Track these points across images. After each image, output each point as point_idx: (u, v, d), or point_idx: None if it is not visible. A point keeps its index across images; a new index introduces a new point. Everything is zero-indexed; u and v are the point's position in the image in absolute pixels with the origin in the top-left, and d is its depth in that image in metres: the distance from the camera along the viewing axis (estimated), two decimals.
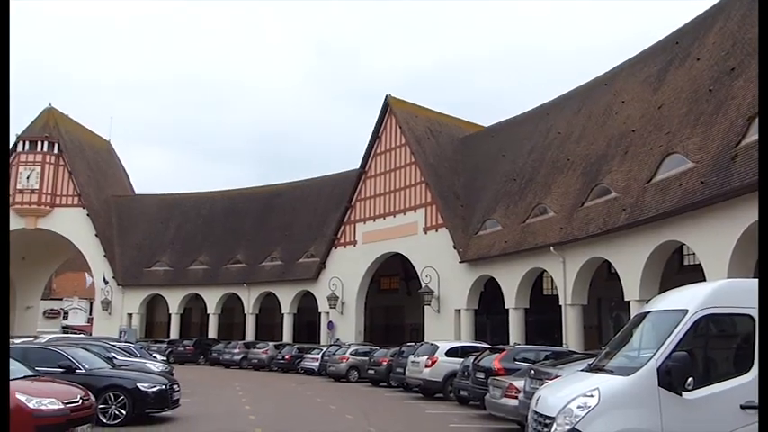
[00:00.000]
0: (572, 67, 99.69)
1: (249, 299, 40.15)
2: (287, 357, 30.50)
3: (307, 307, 38.38)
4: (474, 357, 16.12)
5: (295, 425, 12.92)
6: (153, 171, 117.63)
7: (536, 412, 6.59)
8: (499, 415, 12.22)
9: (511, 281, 25.48)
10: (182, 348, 35.92)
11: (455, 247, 29.02)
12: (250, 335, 39.40)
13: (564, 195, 23.79)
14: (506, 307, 25.71)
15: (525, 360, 14.57)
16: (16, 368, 9.78)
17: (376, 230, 34.40)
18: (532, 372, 11.23)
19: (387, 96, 35.06)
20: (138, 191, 53.69)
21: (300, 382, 24.08)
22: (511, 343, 22.19)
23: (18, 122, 44.90)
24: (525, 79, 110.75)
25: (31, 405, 8.55)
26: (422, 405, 16.82)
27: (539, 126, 29.57)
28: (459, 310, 28.81)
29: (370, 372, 23.50)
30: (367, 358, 24.28)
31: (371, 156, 35.52)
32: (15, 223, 43.53)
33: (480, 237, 28.11)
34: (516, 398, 11.26)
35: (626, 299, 19.46)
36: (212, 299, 41.61)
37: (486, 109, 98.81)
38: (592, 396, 5.93)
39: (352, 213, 36.11)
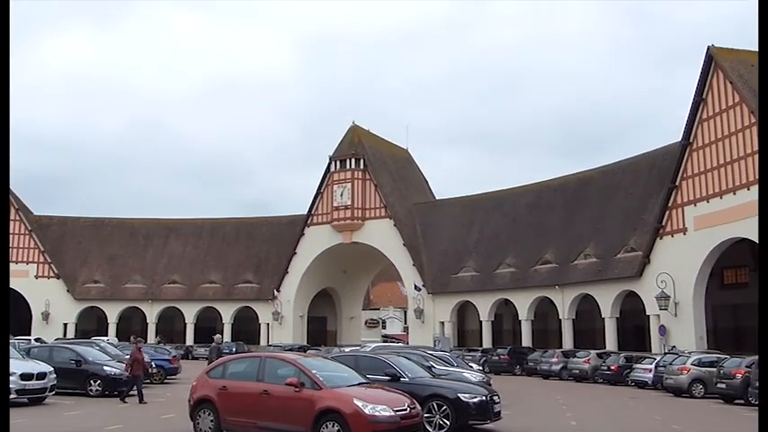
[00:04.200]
0: None
1: (563, 302, 39.83)
2: (613, 368, 29.42)
3: (630, 309, 36.49)
4: None
5: None
6: (451, 173, 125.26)
7: None
8: None
9: None
10: (496, 357, 37.16)
11: None
12: (567, 342, 39.04)
13: None
14: None
15: None
16: (351, 375, 11.46)
17: (711, 213, 31.06)
18: None
19: (708, 48, 31.43)
20: (437, 195, 57.86)
21: (631, 397, 23.03)
22: None
23: (332, 144, 52.33)
24: None
25: (366, 411, 9.95)
26: None
27: None
28: None
29: (720, 386, 21.28)
30: (714, 369, 22.05)
31: (696, 123, 32.23)
32: (334, 239, 50.85)
33: None
34: None
35: None
36: (523, 303, 42.34)
37: None
38: None
39: (678, 195, 33.21)
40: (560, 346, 38.02)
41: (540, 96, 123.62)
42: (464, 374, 18.42)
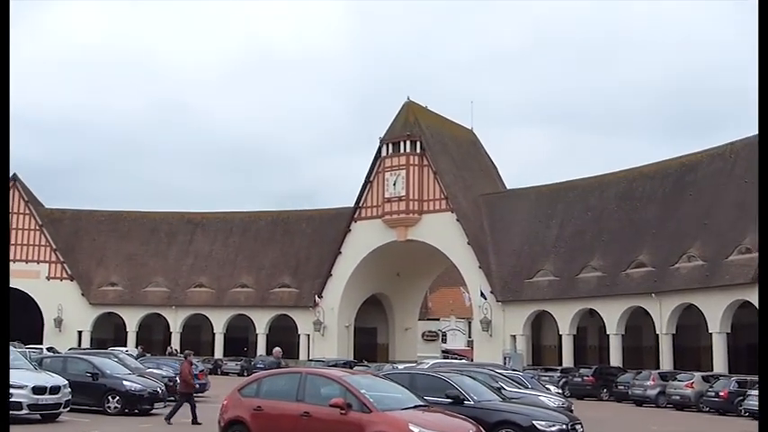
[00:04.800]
0: None
1: (661, 313, 39.15)
2: (722, 394, 28.80)
3: (745, 323, 35.56)
4: None
5: None
6: (525, 158, 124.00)
7: None
8: None
9: None
10: (578, 379, 36.89)
11: None
12: (666, 362, 38.41)
13: None
14: None
15: None
16: (407, 397, 11.63)
17: None
18: None
19: None
20: (509, 185, 57.50)
21: (744, 430, 22.49)
22: None
23: (383, 125, 52.58)
24: None
25: None
26: None
27: None
28: None
29: None
30: None
31: None
32: (386, 236, 51.08)
33: None
34: None
35: None
36: (611, 315, 41.80)
37: None
38: None
39: None
40: (657, 367, 37.46)
41: (635, 67, 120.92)
42: (540, 398, 18.45)
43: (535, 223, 48.61)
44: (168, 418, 18.17)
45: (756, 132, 39.94)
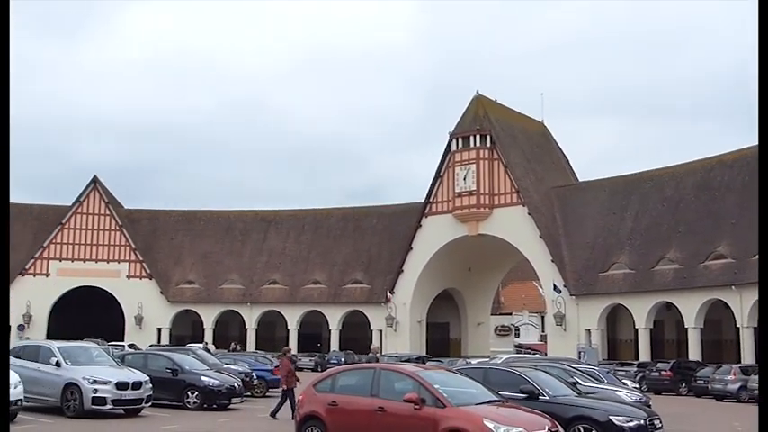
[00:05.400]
0: None
1: (742, 306, 38.01)
2: None
3: None
4: None
5: None
6: (597, 149, 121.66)
7: None
8: None
9: None
10: (656, 373, 36.19)
11: None
12: (748, 355, 37.29)
13: None
14: None
15: None
16: (481, 392, 11.60)
17: None
18: None
19: None
20: (581, 177, 56.67)
21: None
22: None
23: (453, 119, 52.49)
24: None
25: None
26: None
27: None
28: None
29: None
30: None
31: None
32: (457, 231, 51.02)
33: None
34: None
35: None
36: (690, 308, 40.97)
37: None
38: None
39: None
40: (738, 361, 36.53)
41: (714, 52, 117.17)
42: (617, 393, 18.14)
43: (609, 215, 47.84)
44: (294, 416, 18.10)
45: None
